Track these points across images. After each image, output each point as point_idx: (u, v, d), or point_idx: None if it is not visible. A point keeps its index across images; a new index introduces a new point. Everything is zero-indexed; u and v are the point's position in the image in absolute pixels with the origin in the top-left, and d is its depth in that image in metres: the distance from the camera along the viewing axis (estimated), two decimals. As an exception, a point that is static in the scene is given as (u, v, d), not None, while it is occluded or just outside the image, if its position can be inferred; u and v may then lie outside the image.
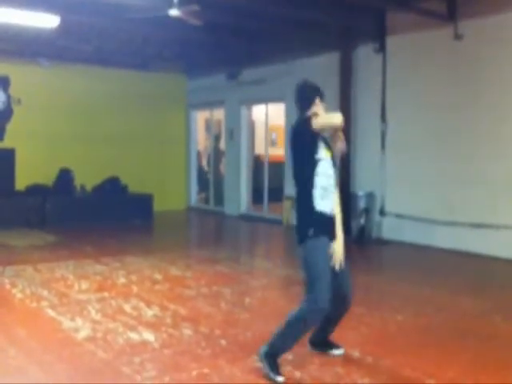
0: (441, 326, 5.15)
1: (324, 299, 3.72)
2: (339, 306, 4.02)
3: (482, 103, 8.53)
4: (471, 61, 8.64)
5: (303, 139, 3.86)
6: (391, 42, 9.88)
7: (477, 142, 8.63)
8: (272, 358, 3.84)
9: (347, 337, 4.70)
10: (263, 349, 3.90)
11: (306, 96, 4.07)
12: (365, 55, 10.36)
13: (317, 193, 3.84)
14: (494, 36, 8.34)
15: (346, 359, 4.22)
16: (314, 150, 3.85)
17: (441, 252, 8.74)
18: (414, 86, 9.53)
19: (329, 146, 3.98)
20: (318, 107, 3.99)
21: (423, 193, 9.39)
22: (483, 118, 8.53)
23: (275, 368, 3.80)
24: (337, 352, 4.26)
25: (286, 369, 3.98)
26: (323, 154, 3.90)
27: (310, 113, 3.96)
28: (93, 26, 10.27)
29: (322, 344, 4.30)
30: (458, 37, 8.64)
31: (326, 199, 3.87)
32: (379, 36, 10.02)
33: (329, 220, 3.92)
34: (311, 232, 3.81)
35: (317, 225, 3.83)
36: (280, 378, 3.75)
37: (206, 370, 3.97)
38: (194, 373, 3.93)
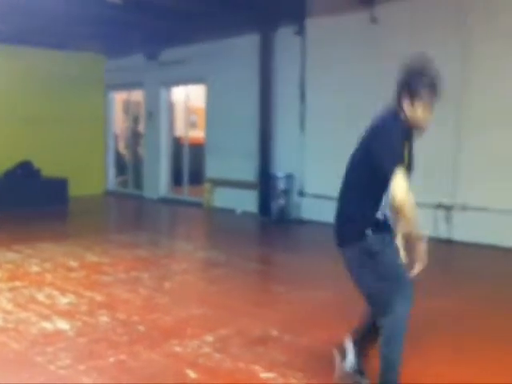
0: (356, 302, 5.26)
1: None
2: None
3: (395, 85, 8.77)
4: (385, 43, 8.86)
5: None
6: (311, 24, 9.96)
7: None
8: None
9: (267, 315, 4.75)
10: None
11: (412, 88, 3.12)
12: (285, 37, 10.39)
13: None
14: (406, 21, 8.58)
15: (265, 338, 4.26)
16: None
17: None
18: (333, 68, 9.66)
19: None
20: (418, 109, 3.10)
21: (339, 173, 9.54)
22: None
23: None
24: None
25: (204, 351, 3.97)
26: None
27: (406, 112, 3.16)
28: (9, 4, 9.69)
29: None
30: (373, 20, 8.83)
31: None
32: (299, 18, 10.07)
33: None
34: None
35: None
36: None
37: (122, 357, 3.88)
38: (111, 360, 3.83)
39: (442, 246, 7.94)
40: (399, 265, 3.18)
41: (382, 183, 3.06)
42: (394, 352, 3.09)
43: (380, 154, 3.04)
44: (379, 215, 3.16)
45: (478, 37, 7.87)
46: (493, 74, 7.76)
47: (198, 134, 13.30)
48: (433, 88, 3.09)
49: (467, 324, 4.70)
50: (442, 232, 8.18)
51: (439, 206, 8.24)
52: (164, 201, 13.11)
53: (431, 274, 6.38)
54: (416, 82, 3.11)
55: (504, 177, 7.69)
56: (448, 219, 8.20)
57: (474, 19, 7.90)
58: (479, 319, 4.83)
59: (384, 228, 3.19)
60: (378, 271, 3.14)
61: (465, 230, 8.01)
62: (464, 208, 8.04)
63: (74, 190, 12.63)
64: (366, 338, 3.41)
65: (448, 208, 8.20)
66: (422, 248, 3.07)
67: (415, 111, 3.07)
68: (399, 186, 2.95)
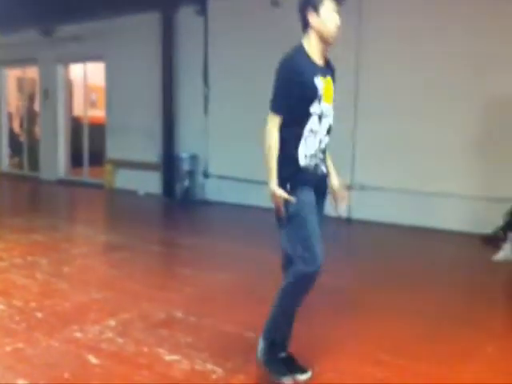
0: (258, 282, 5.37)
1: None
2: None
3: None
4: (286, 26, 8.95)
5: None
6: (212, 5, 9.89)
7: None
8: (272, 353, 3.18)
9: (171, 298, 4.73)
10: (259, 347, 3.21)
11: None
12: (186, 17, 10.25)
13: None
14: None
15: (169, 320, 4.24)
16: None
17: (261, 211, 9.10)
18: (235, 49, 9.67)
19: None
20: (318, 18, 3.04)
21: (242, 154, 9.64)
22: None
23: (281, 366, 3.16)
24: (301, 377, 3.18)
25: (106, 336, 3.89)
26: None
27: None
28: None
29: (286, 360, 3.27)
30: (274, 3, 8.90)
31: None
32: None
33: None
34: None
35: None
36: (290, 379, 3.13)
37: (20, 345, 3.72)
38: (8, 348, 3.66)
39: (342, 225, 8.25)
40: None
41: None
42: (278, 308, 3.17)
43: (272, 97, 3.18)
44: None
45: (373, 17, 8.17)
46: (388, 63, 8.09)
47: (98, 113, 12.88)
48: None
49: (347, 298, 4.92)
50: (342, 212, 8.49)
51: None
52: (62, 182, 12.63)
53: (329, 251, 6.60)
54: None
55: (397, 159, 8.10)
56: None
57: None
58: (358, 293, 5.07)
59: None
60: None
61: (362, 209, 8.36)
62: (362, 188, 8.38)
63: (-38, 172, 11.87)
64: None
65: (347, 188, 8.50)
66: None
67: (323, 19, 3.04)
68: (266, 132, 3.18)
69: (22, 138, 14.27)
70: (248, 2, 9.34)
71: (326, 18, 3.03)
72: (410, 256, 6.70)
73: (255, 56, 9.40)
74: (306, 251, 3.01)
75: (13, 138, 14.56)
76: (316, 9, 3.03)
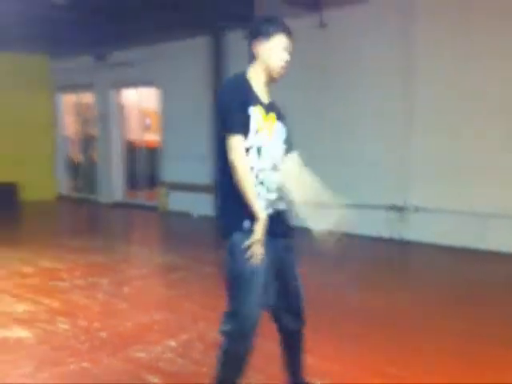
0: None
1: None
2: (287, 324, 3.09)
3: (343, 87, 8.98)
4: (334, 48, 9.06)
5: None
6: (260, 28, 10.05)
7: (337, 124, 9.10)
8: None
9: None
10: None
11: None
12: (235, 41, 10.46)
13: None
14: (354, 26, 8.81)
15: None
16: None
17: (305, 230, 9.12)
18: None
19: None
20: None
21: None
22: (343, 100, 8.99)
23: None
24: None
25: (167, 356, 4.00)
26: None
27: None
28: None
29: None
30: (322, 25, 9.02)
31: None
32: (247, 21, 10.15)
33: None
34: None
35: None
36: None
37: (84, 364, 3.88)
38: (73, 367, 3.83)
39: (396, 247, 8.20)
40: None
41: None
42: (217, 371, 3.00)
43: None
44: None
45: (422, 41, 8.16)
46: (440, 75, 8.04)
47: (152, 137, 13.24)
48: (273, 21, 2.95)
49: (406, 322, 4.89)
50: (396, 233, 8.45)
51: (392, 208, 8.49)
52: (119, 205, 12.99)
53: (384, 273, 6.58)
54: (258, 24, 2.97)
55: (454, 178, 7.98)
56: (401, 220, 8.46)
57: (418, 24, 8.19)
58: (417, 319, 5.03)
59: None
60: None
61: (417, 230, 8.27)
62: (417, 209, 8.31)
63: (25, 195, 12.37)
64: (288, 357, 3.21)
65: (401, 209, 8.45)
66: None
67: (269, 50, 2.91)
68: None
69: (80, 162, 14.77)
70: (295, 24, 9.40)
71: (275, 52, 2.90)
72: (461, 278, 6.59)
73: (303, 77, 9.49)
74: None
75: (71, 162, 15.09)
76: (267, 40, 2.90)
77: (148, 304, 5.39)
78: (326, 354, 4.05)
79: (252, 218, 2.72)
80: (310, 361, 3.37)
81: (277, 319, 3.08)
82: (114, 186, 13.30)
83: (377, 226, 8.59)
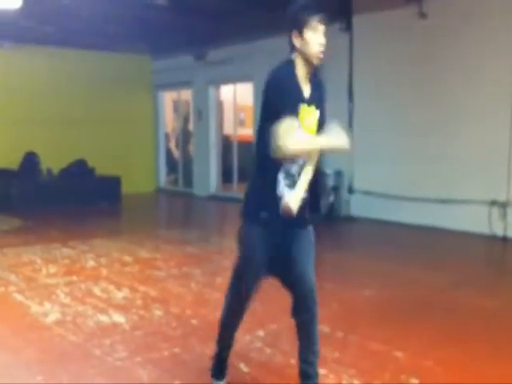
0: (406, 300, 5.25)
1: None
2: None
3: (445, 81, 8.63)
4: (435, 39, 8.71)
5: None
6: (357, 20, 9.89)
7: (440, 118, 8.75)
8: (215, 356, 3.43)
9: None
10: None
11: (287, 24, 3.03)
12: (331, 34, 10.24)
13: None
14: (457, 14, 8.42)
15: (316, 335, 4.27)
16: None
17: (408, 228, 8.88)
18: (381, 64, 9.58)
19: None
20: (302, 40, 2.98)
21: (390, 169, 9.50)
22: (446, 94, 8.65)
23: (215, 370, 3.39)
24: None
25: (256, 345, 4.03)
26: None
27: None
28: (55, 6, 10.01)
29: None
30: (422, 15, 8.71)
31: None
32: (345, 15, 10.01)
33: None
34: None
35: None
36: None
37: (177, 350, 3.99)
38: (166, 352, 3.94)
39: (497, 244, 7.80)
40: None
41: None
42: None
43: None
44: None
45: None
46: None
47: (247, 131, 13.39)
48: (305, 9, 2.98)
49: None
50: (498, 229, 8.02)
51: (494, 203, 8.06)
52: (214, 198, 13.27)
53: (484, 272, 6.27)
54: (290, 15, 3.01)
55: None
56: (503, 216, 8.01)
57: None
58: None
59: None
60: None
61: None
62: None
63: (126, 188, 12.95)
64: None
65: (503, 205, 8.01)
66: None
67: (306, 40, 2.97)
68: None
69: (178, 157, 15.25)
70: (394, 15, 9.21)
71: (310, 39, 2.94)
72: None
73: (401, 69, 9.23)
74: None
75: (169, 157, 15.63)
76: (300, 31, 2.94)
77: (239, 295, 5.44)
78: (428, 355, 3.92)
79: (269, 209, 2.87)
80: (410, 359, 3.27)
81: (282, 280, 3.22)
82: (209, 179, 13.60)
83: (478, 222, 8.20)
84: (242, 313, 3.32)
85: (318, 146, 2.89)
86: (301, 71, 3.01)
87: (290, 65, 3.01)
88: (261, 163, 2.95)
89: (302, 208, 2.92)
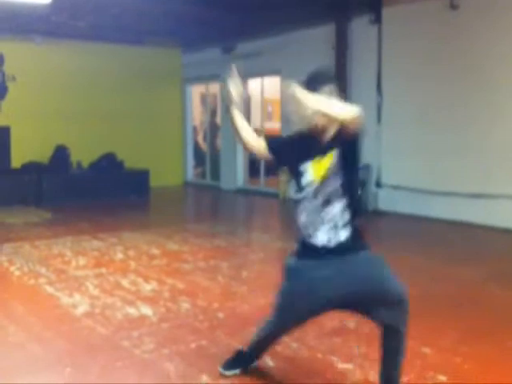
0: (436, 295, 5.18)
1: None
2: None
3: (477, 74, 8.47)
4: (467, 31, 8.56)
5: None
6: (387, 13, 9.77)
7: (471, 112, 8.60)
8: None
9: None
10: None
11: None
12: (360, 27, 10.25)
13: None
14: (490, 5, 8.25)
15: (343, 329, 4.26)
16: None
17: (437, 222, 8.77)
18: (410, 57, 9.45)
19: None
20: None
21: (419, 163, 9.39)
22: (477, 88, 8.50)
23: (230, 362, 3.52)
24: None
25: (282, 339, 4.01)
26: None
27: None
28: (86, 1, 10.12)
29: None
30: (453, 7, 8.55)
31: None
32: (375, 7, 9.90)
33: None
34: None
35: None
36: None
37: (204, 342, 4.01)
38: (193, 345, 3.97)
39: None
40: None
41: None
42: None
43: None
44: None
45: None
46: None
47: (274, 125, 13.37)
48: (314, 81, 2.93)
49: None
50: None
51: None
52: (241, 192, 13.30)
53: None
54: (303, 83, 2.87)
55: None
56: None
57: None
58: None
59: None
60: None
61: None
62: None
63: (154, 181, 13.05)
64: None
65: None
66: None
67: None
68: None
69: (205, 150, 15.31)
70: (424, 7, 9.07)
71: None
72: None
73: (431, 62, 9.09)
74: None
75: (197, 150, 15.70)
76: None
77: (266, 288, 5.43)
78: (458, 351, 3.87)
79: (300, 242, 2.99)
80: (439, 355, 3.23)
81: (367, 313, 3.03)
82: (236, 173, 13.62)
83: (506, 216, 8.07)
84: (282, 335, 3.45)
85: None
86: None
87: None
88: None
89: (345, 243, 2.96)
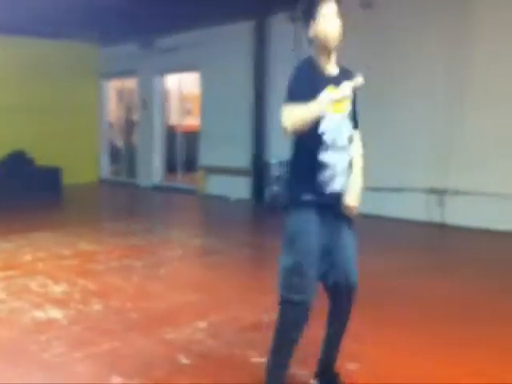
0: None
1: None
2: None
3: (384, 72, 8.75)
4: (380, 28, 8.79)
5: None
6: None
7: (375, 106, 8.89)
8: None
9: (262, 301, 4.75)
10: None
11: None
12: (279, 24, 10.29)
13: None
14: (402, 4, 8.53)
15: (260, 324, 4.24)
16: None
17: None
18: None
19: None
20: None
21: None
22: (381, 83, 8.78)
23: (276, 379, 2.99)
24: None
25: (197, 337, 3.97)
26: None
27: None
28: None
29: (326, 377, 3.18)
30: (365, 5, 8.76)
31: None
32: (293, 4, 9.97)
33: None
34: None
35: None
36: None
37: (116, 344, 3.88)
38: (105, 347, 3.83)
39: (435, 231, 7.99)
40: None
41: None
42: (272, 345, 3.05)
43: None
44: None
45: (480, 17, 7.83)
46: (493, 54, 7.72)
47: (193, 121, 13.25)
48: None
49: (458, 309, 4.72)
50: (435, 216, 8.22)
51: (432, 191, 8.26)
52: (158, 188, 13.10)
53: (425, 257, 6.40)
54: (302, 9, 3.12)
55: (496, 161, 7.68)
56: (441, 203, 8.21)
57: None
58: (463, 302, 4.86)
59: None
60: None
61: (457, 214, 8.02)
62: (457, 192, 8.05)
63: (67, 179, 12.61)
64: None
65: (441, 192, 8.20)
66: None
67: (319, 28, 2.99)
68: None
69: (121, 147, 14.95)
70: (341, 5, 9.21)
71: (327, 27, 2.97)
72: (507, 263, 6.35)
73: (347, 59, 9.27)
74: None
75: (112, 147, 15.30)
76: (315, 21, 2.98)
77: (183, 286, 5.38)
78: (365, 339, 3.95)
79: (312, 192, 2.88)
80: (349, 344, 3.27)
81: (325, 278, 3.01)
82: (153, 169, 13.40)
83: (416, 209, 8.39)
84: (304, 323, 2.98)
85: (317, 108, 2.80)
86: (320, 60, 3.05)
87: (306, 59, 3.07)
88: (297, 151, 2.99)
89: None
